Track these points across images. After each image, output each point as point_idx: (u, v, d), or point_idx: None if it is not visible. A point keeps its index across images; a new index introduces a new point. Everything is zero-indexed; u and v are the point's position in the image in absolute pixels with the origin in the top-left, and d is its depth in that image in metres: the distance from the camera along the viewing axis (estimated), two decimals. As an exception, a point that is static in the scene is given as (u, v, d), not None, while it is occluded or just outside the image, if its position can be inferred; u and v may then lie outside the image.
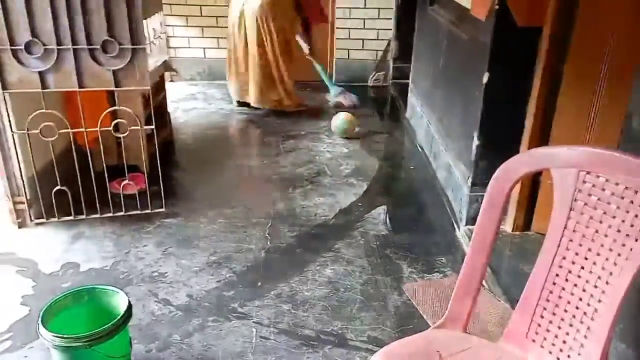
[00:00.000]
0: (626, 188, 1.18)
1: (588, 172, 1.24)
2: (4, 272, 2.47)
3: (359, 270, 2.52)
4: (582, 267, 1.26)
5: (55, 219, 2.81)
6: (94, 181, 2.79)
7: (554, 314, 1.32)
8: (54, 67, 2.52)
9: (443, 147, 3.34)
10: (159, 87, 3.72)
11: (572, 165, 1.26)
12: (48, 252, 2.61)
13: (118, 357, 1.74)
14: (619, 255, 1.18)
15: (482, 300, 2.23)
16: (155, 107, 3.10)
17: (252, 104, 4.66)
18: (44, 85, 2.54)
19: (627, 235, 1.17)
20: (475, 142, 2.65)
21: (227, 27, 4.68)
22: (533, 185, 2.57)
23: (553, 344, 1.32)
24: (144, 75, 2.63)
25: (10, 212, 2.78)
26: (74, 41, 2.49)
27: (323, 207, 3.11)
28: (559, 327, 1.31)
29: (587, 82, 2.29)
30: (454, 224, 2.93)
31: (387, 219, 3.02)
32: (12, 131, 2.60)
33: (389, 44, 5.48)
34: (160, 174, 2.92)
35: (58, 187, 2.72)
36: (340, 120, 4.17)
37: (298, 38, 4.77)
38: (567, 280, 1.29)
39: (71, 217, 2.82)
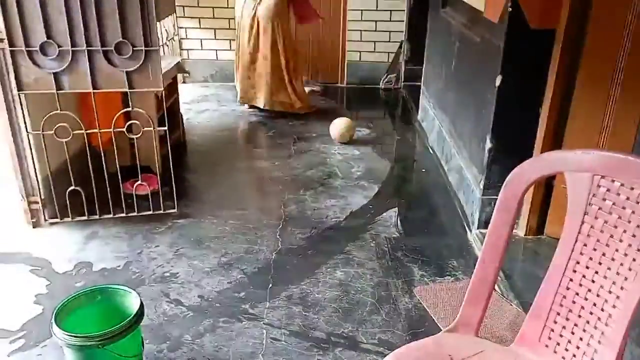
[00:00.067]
0: (642, 193, 1.16)
1: (603, 177, 1.22)
2: (18, 271, 2.50)
3: (370, 273, 2.52)
4: (597, 272, 1.24)
5: (69, 219, 2.84)
6: (107, 182, 2.81)
7: (567, 319, 1.30)
8: (68, 68, 2.54)
9: (455, 149, 3.33)
10: (171, 89, 3.74)
11: (586, 169, 1.25)
12: (62, 252, 2.64)
13: (130, 356, 1.76)
14: (634, 260, 1.17)
15: (493, 304, 2.22)
16: (168, 108, 3.12)
17: (262, 107, 4.67)
18: (58, 86, 2.57)
19: (643, 240, 1.16)
20: (488, 145, 2.64)
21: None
22: (546, 189, 2.55)
23: (566, 349, 1.31)
24: (157, 76, 2.65)
25: (25, 212, 2.81)
26: (88, 43, 2.52)
27: (334, 210, 3.11)
28: (573, 332, 1.29)
29: (601, 85, 2.26)
30: (466, 227, 2.91)
31: (398, 222, 3.01)
32: (27, 132, 2.63)
33: (400, 46, 5.47)
34: (172, 175, 2.94)
35: (72, 188, 2.75)
36: (335, 126, 4.12)
37: None
38: (581, 285, 1.27)
39: (85, 217, 2.84)
